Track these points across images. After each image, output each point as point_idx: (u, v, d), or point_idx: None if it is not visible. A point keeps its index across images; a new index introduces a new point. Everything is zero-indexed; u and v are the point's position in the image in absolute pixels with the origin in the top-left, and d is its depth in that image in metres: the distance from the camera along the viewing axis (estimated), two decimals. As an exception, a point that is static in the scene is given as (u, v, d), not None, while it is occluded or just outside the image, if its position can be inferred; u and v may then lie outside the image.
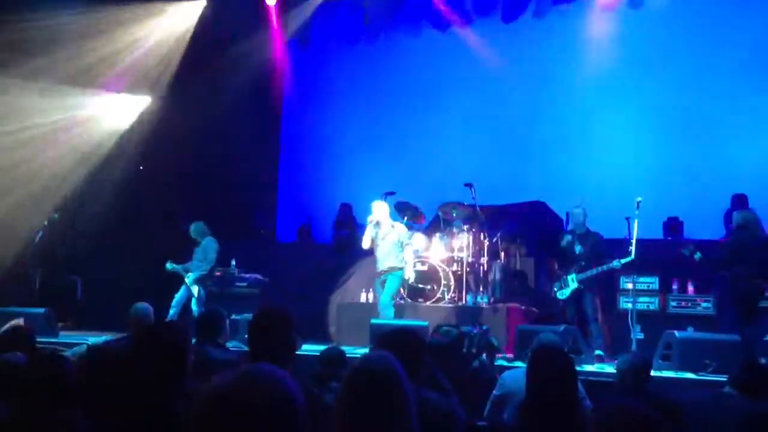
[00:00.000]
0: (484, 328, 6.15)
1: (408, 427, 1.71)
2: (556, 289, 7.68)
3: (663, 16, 10.13)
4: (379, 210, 7.81)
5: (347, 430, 1.70)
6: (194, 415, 1.19)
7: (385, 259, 7.74)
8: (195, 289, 8.19)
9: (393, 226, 7.84)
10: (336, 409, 1.77)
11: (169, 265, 8.33)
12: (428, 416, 2.09)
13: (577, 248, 7.56)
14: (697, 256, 6.75)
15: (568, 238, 7.73)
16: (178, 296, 8.22)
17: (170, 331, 2.49)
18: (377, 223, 7.76)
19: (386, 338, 2.63)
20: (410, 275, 7.87)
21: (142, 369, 2.31)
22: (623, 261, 7.21)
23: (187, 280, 8.29)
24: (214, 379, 1.27)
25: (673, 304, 7.83)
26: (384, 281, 7.79)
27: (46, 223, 9.02)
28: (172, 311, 8.09)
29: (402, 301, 8.47)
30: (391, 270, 7.74)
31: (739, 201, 8.94)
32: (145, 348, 2.38)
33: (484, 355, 5.58)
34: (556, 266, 7.82)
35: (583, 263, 7.46)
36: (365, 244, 7.83)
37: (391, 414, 1.69)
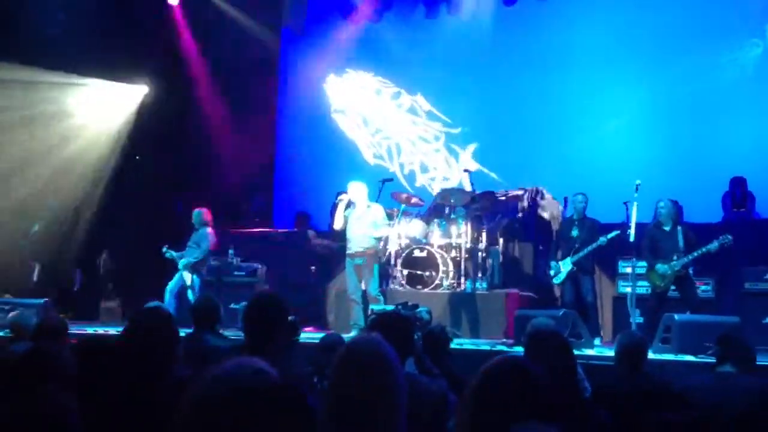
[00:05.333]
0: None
1: (398, 410, 1.69)
2: (552, 274, 7.72)
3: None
4: (355, 190, 7.73)
5: (338, 414, 1.68)
6: (188, 402, 1.17)
7: (359, 240, 7.65)
8: (187, 277, 8.14)
9: (369, 207, 7.75)
10: (327, 392, 1.75)
11: (166, 252, 8.29)
12: (421, 400, 2.08)
13: (575, 232, 7.65)
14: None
15: (567, 223, 7.79)
16: (172, 283, 8.18)
17: (153, 318, 2.46)
18: (350, 203, 7.71)
19: (377, 322, 2.62)
20: (384, 234, 7.86)
21: (129, 357, 2.29)
22: (609, 236, 7.32)
23: (179, 267, 8.25)
24: (210, 368, 1.24)
25: (673, 287, 7.80)
26: (358, 266, 7.69)
27: (44, 212, 8.98)
28: (166, 298, 8.07)
29: (401, 288, 8.47)
30: (366, 252, 7.65)
31: (738, 184, 8.92)
32: (130, 336, 2.35)
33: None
34: (552, 251, 7.82)
35: (577, 245, 7.54)
36: (337, 224, 7.77)
37: (381, 396, 1.67)
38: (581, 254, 7.53)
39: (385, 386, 1.68)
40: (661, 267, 7.10)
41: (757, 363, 5.20)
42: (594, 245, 7.49)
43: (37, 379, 2.34)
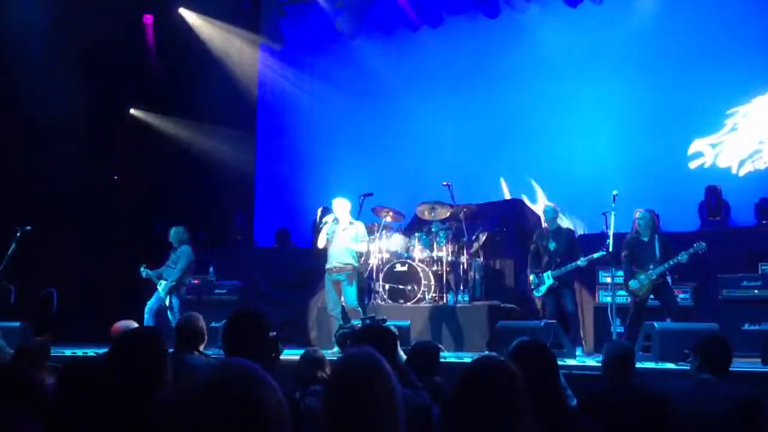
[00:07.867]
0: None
1: (396, 423, 1.67)
2: (532, 287, 7.76)
3: (636, 11, 10.14)
4: (340, 206, 7.75)
5: (336, 428, 1.66)
6: (178, 423, 1.17)
7: (339, 256, 7.64)
8: (167, 299, 8.06)
9: (351, 223, 7.77)
10: (323, 408, 1.72)
11: (143, 271, 8.19)
12: (407, 412, 2.06)
13: (551, 245, 7.66)
14: None
15: (541, 235, 7.82)
16: (150, 303, 8.08)
17: (143, 338, 2.41)
18: (335, 220, 7.72)
19: (361, 335, 2.60)
20: (364, 249, 7.90)
21: (117, 379, 2.25)
22: (588, 258, 7.35)
23: (159, 288, 8.16)
24: (192, 385, 1.24)
25: (652, 296, 7.86)
26: (337, 282, 7.66)
27: (18, 235, 8.82)
28: (146, 318, 7.96)
29: (383, 302, 8.45)
30: (345, 267, 7.62)
31: (713, 192, 9.05)
32: (119, 358, 2.31)
33: None
34: (530, 264, 7.85)
35: (558, 260, 7.56)
36: (320, 243, 7.77)
37: (379, 409, 1.65)
38: (561, 271, 7.55)
39: (383, 397, 1.66)
40: (638, 276, 7.15)
41: (739, 369, 5.30)
42: (573, 265, 7.50)
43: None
